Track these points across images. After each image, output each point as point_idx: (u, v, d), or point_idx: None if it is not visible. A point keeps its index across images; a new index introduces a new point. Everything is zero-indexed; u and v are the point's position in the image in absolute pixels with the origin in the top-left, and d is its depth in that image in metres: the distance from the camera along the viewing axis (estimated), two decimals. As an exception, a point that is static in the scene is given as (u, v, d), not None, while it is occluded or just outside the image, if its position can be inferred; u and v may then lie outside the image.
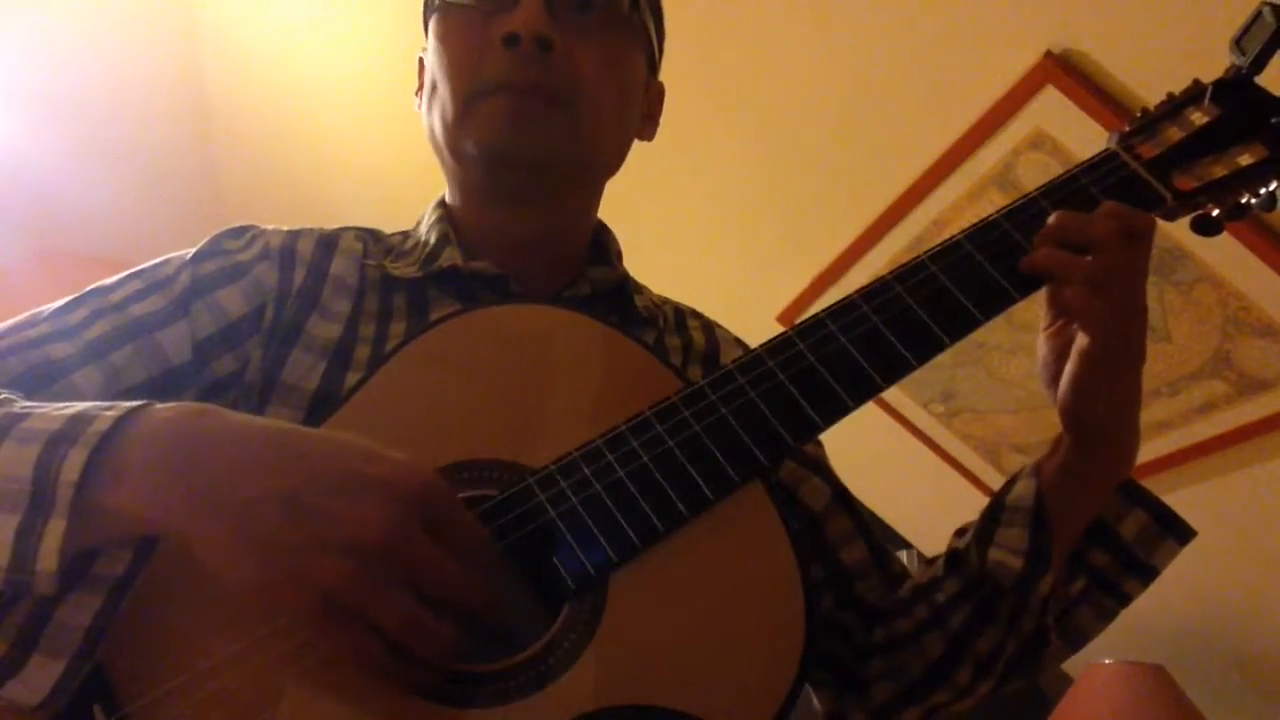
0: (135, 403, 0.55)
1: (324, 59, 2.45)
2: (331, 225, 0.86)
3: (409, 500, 0.52)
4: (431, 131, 0.81)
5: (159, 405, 0.55)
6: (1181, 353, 1.64)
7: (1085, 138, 1.51)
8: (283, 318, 0.75)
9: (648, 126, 0.88)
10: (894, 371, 0.66)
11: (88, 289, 0.75)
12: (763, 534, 0.62)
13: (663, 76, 0.90)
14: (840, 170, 1.85)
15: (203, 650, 0.56)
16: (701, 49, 1.78)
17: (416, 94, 0.85)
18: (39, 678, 0.50)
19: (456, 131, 0.78)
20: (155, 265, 0.77)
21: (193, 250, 0.79)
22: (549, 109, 0.75)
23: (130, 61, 2.62)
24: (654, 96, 0.88)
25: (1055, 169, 1.58)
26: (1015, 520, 0.72)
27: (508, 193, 0.79)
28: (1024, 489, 0.72)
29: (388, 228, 0.91)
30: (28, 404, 0.57)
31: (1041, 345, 0.74)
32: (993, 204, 1.69)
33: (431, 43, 0.81)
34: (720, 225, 2.12)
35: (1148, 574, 0.73)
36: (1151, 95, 1.42)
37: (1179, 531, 0.73)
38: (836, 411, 0.65)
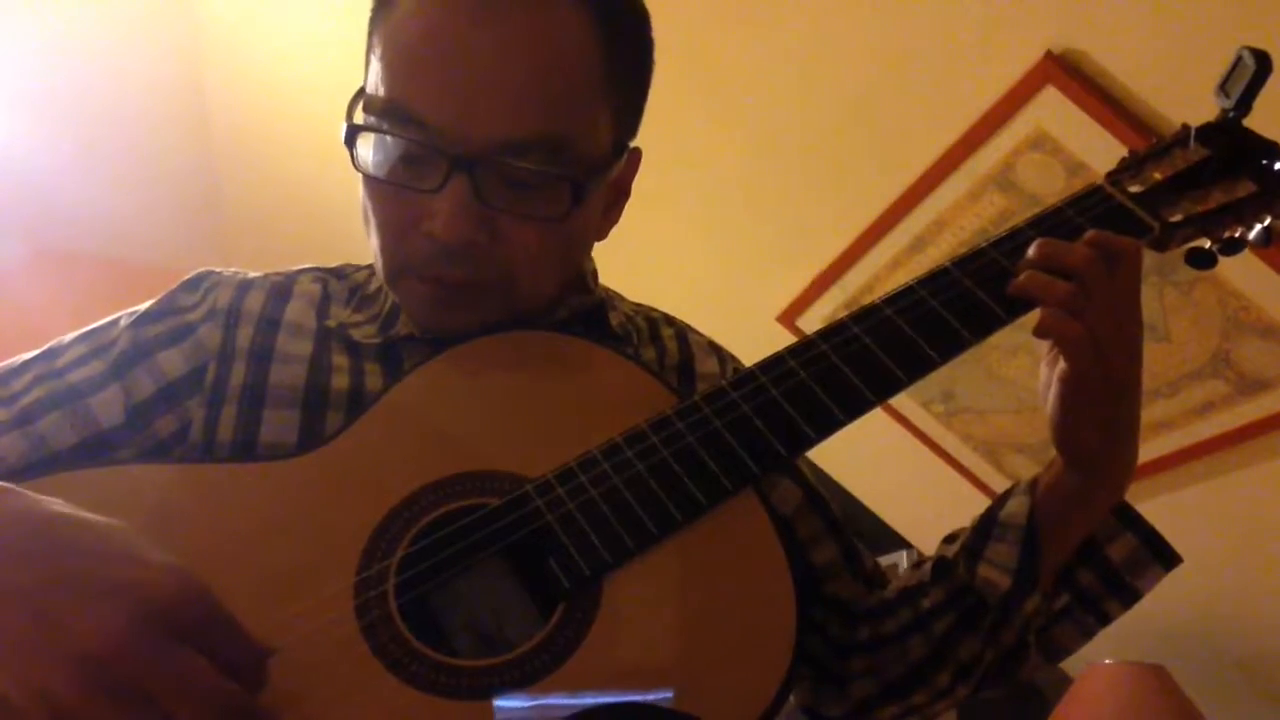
0: None
1: (323, 59, 2.45)
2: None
3: (155, 610, 0.50)
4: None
5: None
6: (1181, 353, 1.64)
7: (1085, 138, 1.51)
8: (229, 379, 0.74)
9: (612, 213, 0.80)
10: (886, 388, 0.67)
11: (47, 346, 0.77)
12: (755, 540, 0.63)
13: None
14: (840, 170, 1.85)
15: None
16: (701, 48, 1.78)
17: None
18: None
19: (390, 289, 0.76)
20: (107, 324, 0.79)
21: (144, 306, 0.79)
22: (475, 297, 0.71)
23: (131, 62, 2.63)
24: (628, 169, 0.79)
25: (1055, 169, 1.58)
26: (1006, 537, 0.72)
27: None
28: (1018, 506, 0.73)
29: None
30: None
31: (1042, 369, 0.74)
32: (993, 204, 1.69)
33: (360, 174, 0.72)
34: (720, 225, 2.12)
35: (1131, 597, 0.74)
36: (1152, 95, 1.43)
37: (1166, 557, 0.74)
38: (829, 426, 0.66)
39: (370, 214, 0.72)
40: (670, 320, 0.91)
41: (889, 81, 1.67)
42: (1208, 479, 1.75)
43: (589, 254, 0.81)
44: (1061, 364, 0.69)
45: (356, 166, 0.70)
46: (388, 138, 0.68)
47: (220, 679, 0.51)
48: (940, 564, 0.77)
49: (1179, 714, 1.75)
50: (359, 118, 0.70)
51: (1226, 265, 1.49)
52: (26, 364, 0.76)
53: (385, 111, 0.68)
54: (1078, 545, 0.74)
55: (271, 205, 3.03)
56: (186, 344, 0.76)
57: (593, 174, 0.71)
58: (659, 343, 0.86)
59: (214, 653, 0.51)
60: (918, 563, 0.81)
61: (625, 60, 0.73)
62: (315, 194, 2.84)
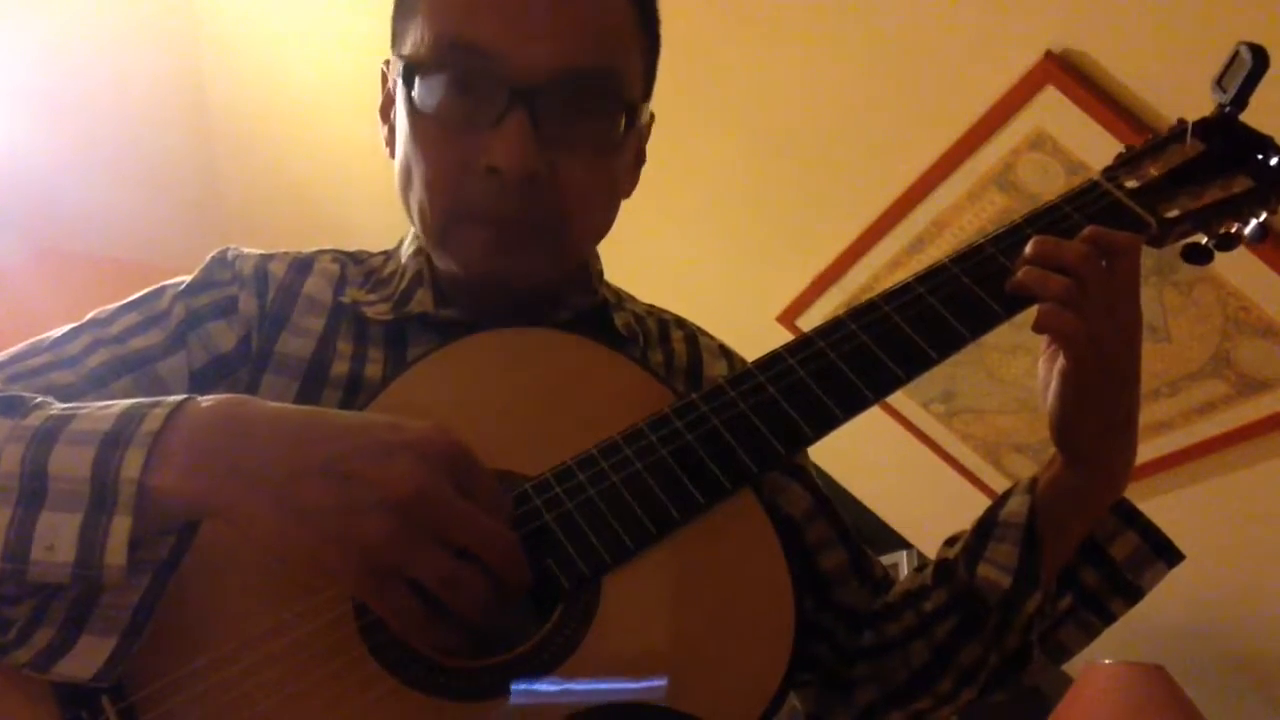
0: (177, 398, 0.57)
1: (322, 60, 2.45)
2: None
3: (435, 458, 0.55)
4: (407, 209, 0.77)
5: (199, 398, 0.58)
6: (1181, 353, 1.64)
7: (1085, 138, 1.51)
8: (260, 342, 0.76)
9: (635, 172, 0.82)
10: (884, 386, 0.67)
11: (86, 319, 0.77)
12: (753, 539, 0.62)
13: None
14: (840, 170, 1.85)
15: (207, 643, 0.57)
16: (701, 48, 1.78)
17: (380, 116, 0.80)
18: (89, 655, 0.53)
19: (435, 246, 0.76)
20: (150, 296, 0.79)
21: (186, 280, 0.80)
22: (533, 237, 0.72)
23: (131, 62, 2.63)
24: (646, 132, 0.81)
25: (1055, 169, 1.58)
26: (1007, 537, 0.72)
27: (489, 296, 0.77)
28: (1017, 505, 0.73)
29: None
30: (65, 406, 0.59)
31: (1041, 366, 0.74)
32: (993, 204, 1.69)
33: (404, 121, 0.72)
34: (720, 225, 2.12)
35: (1134, 595, 0.74)
36: (1152, 95, 1.43)
37: (1168, 555, 0.74)
38: (827, 424, 0.66)
39: (417, 163, 0.72)
40: (682, 323, 0.91)
41: (889, 81, 1.67)
42: (1208, 479, 1.75)
43: (617, 211, 0.81)
44: (1060, 359, 0.69)
45: (409, 108, 0.71)
46: (439, 77, 0.69)
47: (497, 518, 0.57)
48: (941, 566, 0.77)
49: (1179, 714, 1.75)
50: (404, 72, 0.71)
51: (1226, 265, 1.50)
52: (77, 329, 0.75)
53: (439, 49, 0.69)
54: (1079, 544, 0.74)
55: (271, 205, 3.03)
56: (232, 315, 0.77)
57: (636, 109, 0.74)
58: (668, 345, 0.86)
59: (477, 498, 0.56)
60: (920, 566, 0.81)
61: (648, 13, 0.77)
62: (315, 193, 2.85)
